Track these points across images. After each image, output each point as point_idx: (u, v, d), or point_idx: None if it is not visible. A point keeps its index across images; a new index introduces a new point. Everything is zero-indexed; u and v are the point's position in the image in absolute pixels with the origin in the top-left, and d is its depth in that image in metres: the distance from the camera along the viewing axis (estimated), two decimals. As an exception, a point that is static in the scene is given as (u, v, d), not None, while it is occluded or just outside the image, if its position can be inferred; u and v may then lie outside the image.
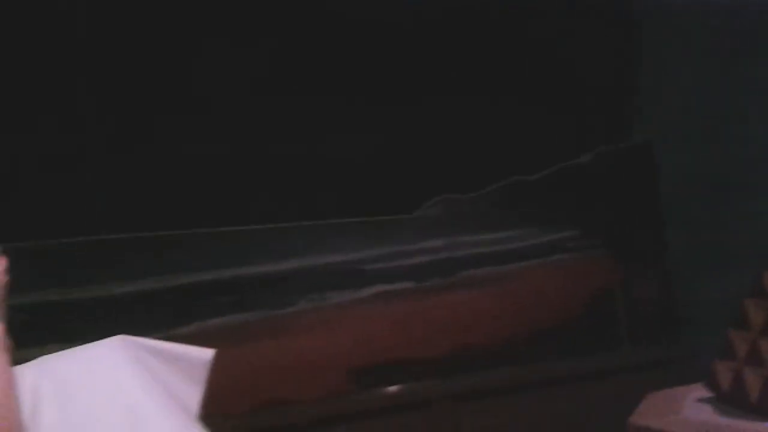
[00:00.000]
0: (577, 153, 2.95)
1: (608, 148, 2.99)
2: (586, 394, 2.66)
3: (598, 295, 2.93)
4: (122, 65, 2.31)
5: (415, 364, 2.60)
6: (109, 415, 0.91)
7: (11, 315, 1.10)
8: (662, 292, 2.98)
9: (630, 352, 2.91)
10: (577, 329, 2.86)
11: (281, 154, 2.48)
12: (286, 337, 2.43)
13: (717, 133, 2.83)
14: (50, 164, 2.17)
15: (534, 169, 2.88)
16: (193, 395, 1.00)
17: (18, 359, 0.99)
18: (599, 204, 2.97)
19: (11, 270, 1.19)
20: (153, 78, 2.35)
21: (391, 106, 2.65)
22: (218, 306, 2.35)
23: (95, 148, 2.25)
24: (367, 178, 2.61)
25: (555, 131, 2.88)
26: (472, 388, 2.60)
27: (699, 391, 1.85)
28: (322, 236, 2.57)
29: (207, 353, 1.05)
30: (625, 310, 2.93)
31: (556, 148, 2.90)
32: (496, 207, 2.84)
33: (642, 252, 3.00)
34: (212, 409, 1.05)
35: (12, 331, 1.05)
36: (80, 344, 1.03)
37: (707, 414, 1.70)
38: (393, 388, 2.53)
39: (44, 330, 1.90)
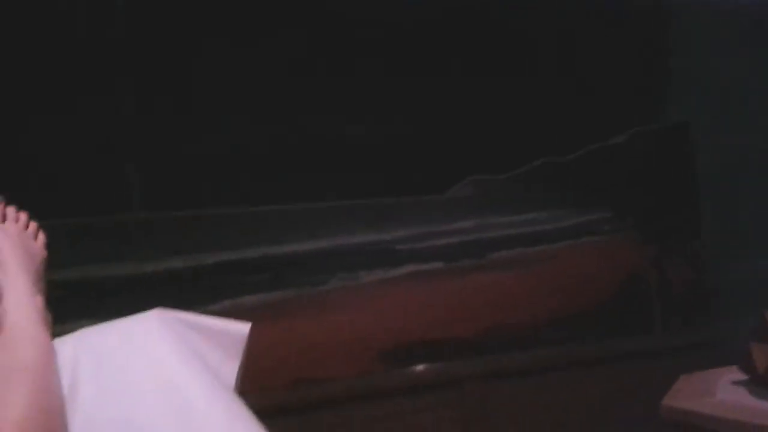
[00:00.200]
0: (611, 134, 2.92)
1: (643, 129, 2.96)
2: (618, 377, 2.64)
3: (630, 277, 2.91)
4: (155, 44, 2.32)
5: (445, 344, 2.60)
6: (148, 388, 0.91)
7: (48, 290, 1.12)
8: (696, 273, 2.95)
9: (663, 335, 2.88)
10: (609, 311, 2.84)
11: (315, 134, 2.49)
12: (317, 315, 2.45)
13: (753, 114, 2.78)
14: (86, 142, 2.20)
15: (567, 150, 2.86)
16: (231, 369, 1.00)
17: (54, 334, 1.01)
18: (633, 185, 2.94)
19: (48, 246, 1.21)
20: (184, 52, 2.36)
21: (424, 87, 2.64)
22: (250, 284, 2.36)
23: (131, 125, 2.27)
24: (399, 159, 2.61)
25: (588, 112, 2.85)
26: (502, 368, 2.60)
27: (733, 373, 1.83)
28: (354, 216, 2.57)
29: (244, 327, 1.05)
30: (658, 293, 2.91)
31: (589, 129, 2.87)
32: (527, 188, 2.82)
33: (676, 234, 2.97)
34: (242, 386, 1.06)
35: (49, 306, 1.06)
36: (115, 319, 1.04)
37: (742, 396, 1.68)
38: (423, 368, 2.54)
39: (78, 306, 1.92)
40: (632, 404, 2.51)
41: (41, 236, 1.19)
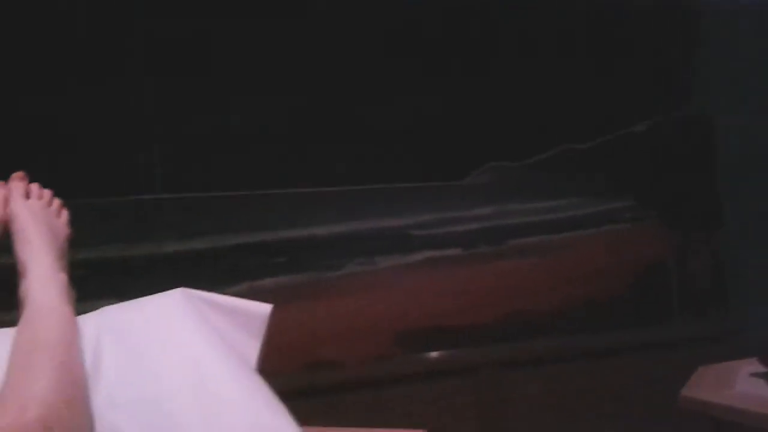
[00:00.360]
0: (633, 122, 2.90)
1: (665, 118, 2.93)
2: (635, 367, 2.64)
3: (649, 267, 2.89)
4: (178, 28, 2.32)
5: (461, 331, 2.60)
6: (171, 365, 0.91)
7: (70, 269, 1.13)
8: (716, 264, 2.92)
9: (682, 325, 2.87)
10: (628, 301, 2.83)
11: (334, 119, 2.48)
12: (333, 299, 2.45)
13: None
14: (111, 121, 2.21)
15: (587, 138, 2.84)
16: (252, 349, 1.00)
17: (75, 313, 1.01)
18: (654, 174, 2.92)
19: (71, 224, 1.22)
20: (214, 33, 2.36)
21: (443, 73, 2.63)
22: (269, 266, 2.37)
23: (155, 106, 2.28)
24: (418, 144, 2.60)
25: (610, 100, 2.83)
26: (518, 356, 2.60)
27: (753, 365, 1.81)
28: (372, 201, 2.57)
29: (266, 307, 1.05)
30: (678, 282, 2.89)
31: (610, 117, 2.85)
32: (546, 175, 2.80)
33: (696, 223, 2.94)
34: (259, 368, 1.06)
35: (71, 284, 1.07)
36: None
37: (761, 389, 1.67)
38: (438, 353, 2.54)
39: (100, 285, 1.94)
40: (650, 394, 2.50)
41: (65, 214, 1.19)
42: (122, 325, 0.97)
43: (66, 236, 1.16)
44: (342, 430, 1.44)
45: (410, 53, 2.60)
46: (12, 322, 0.94)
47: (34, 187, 1.19)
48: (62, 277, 1.03)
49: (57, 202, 1.20)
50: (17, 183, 1.17)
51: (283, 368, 2.24)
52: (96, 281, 1.98)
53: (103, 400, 0.87)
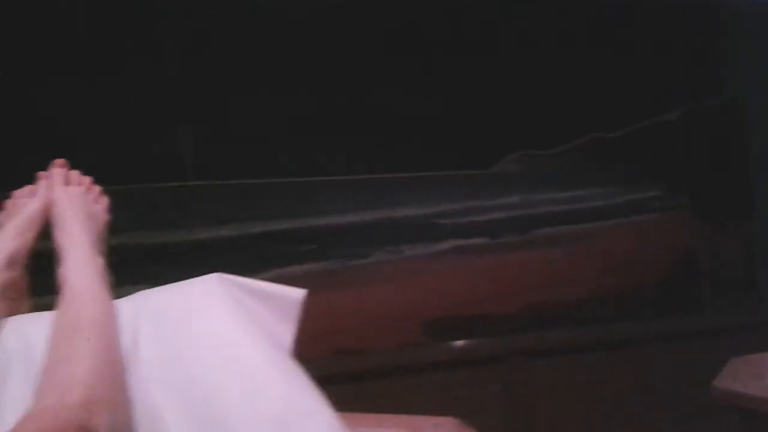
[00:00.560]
0: (664, 110, 2.86)
1: (697, 106, 2.89)
2: (666, 358, 2.61)
3: (680, 257, 2.86)
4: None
5: (487, 320, 2.60)
6: (207, 349, 0.92)
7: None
8: (748, 254, 2.89)
9: (713, 315, 2.84)
10: (658, 291, 2.80)
11: (360, 107, 2.48)
12: (360, 287, 2.46)
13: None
14: (142, 110, 2.23)
15: (617, 126, 2.81)
16: (286, 333, 1.01)
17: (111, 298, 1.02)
18: (685, 163, 2.88)
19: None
20: (240, 28, 2.37)
21: (471, 60, 2.61)
22: (296, 254, 2.38)
23: (184, 95, 2.29)
24: (445, 132, 2.59)
25: (641, 87, 2.80)
26: (545, 346, 2.59)
27: (786, 357, 1.80)
28: (399, 189, 2.57)
29: (299, 292, 1.05)
30: (709, 273, 2.86)
31: (640, 105, 2.82)
32: (575, 164, 2.78)
33: (728, 213, 2.91)
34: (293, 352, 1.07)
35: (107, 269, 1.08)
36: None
37: (795, 380, 1.65)
38: (465, 342, 2.54)
39: (133, 271, 1.96)
40: (681, 386, 2.48)
41: (104, 200, 1.21)
42: (159, 309, 0.98)
43: (104, 222, 1.18)
44: (371, 417, 1.45)
45: (436, 40, 2.59)
46: (51, 307, 0.96)
47: (74, 174, 1.21)
48: (99, 262, 1.04)
49: (96, 188, 1.22)
50: (58, 170, 1.19)
51: (312, 355, 2.25)
52: (129, 267, 2.01)
53: (140, 382, 0.89)
